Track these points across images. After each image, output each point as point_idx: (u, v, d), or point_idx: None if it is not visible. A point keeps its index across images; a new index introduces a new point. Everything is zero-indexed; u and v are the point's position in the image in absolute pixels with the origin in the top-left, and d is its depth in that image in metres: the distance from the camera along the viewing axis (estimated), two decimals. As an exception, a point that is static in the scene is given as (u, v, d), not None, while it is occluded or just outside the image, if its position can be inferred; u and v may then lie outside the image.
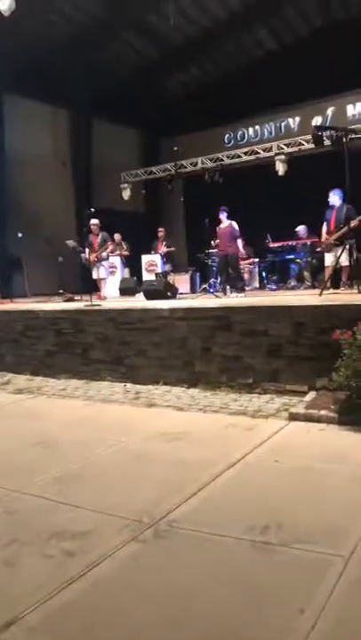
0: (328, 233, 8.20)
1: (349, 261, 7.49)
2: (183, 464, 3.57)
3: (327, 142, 8.20)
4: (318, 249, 9.05)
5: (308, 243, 10.00)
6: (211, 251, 10.78)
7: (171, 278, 10.88)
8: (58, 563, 2.41)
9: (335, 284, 7.73)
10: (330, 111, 12.04)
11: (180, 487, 3.15)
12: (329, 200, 8.27)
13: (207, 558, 2.42)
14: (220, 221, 9.44)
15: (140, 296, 9.04)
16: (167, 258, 11.85)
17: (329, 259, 8.23)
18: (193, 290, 11.34)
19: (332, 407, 4.34)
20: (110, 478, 3.41)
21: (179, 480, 3.27)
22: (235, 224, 9.37)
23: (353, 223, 7.48)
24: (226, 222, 9.32)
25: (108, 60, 12.48)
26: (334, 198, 8.19)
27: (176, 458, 3.71)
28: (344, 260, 7.51)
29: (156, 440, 4.13)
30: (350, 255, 7.38)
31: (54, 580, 2.26)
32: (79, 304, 8.02)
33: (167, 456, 3.76)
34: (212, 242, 10.19)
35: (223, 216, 9.30)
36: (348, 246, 7.25)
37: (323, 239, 8.35)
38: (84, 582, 2.25)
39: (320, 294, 6.59)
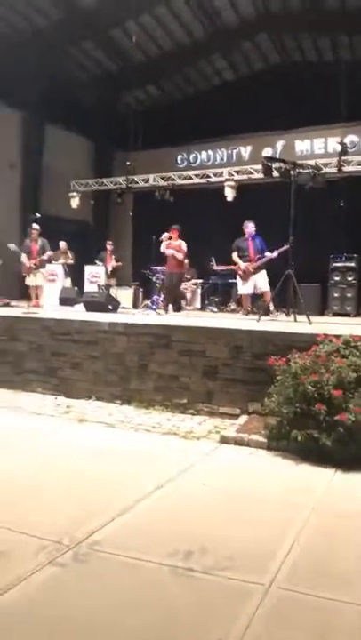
0: (247, 261, 8.51)
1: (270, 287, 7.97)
2: (110, 483, 3.47)
3: (276, 174, 8.51)
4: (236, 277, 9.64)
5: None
6: (155, 267, 10.79)
7: (113, 292, 10.77)
8: (-35, 586, 2.25)
9: (266, 310, 8.02)
10: (280, 144, 12.53)
11: (104, 507, 3.05)
12: (246, 230, 8.68)
13: (126, 584, 2.34)
14: (170, 238, 9.42)
15: (81, 307, 8.86)
16: (113, 271, 11.75)
17: (247, 287, 8.62)
18: (135, 305, 11.27)
19: (263, 432, 4.40)
20: (32, 495, 3.26)
21: (104, 500, 3.17)
22: (184, 244, 9.45)
23: (274, 254, 8.13)
24: (177, 241, 9.38)
25: (66, 67, 12.39)
26: (252, 229, 8.61)
27: (103, 476, 3.61)
28: (266, 285, 8.26)
29: (84, 457, 4.00)
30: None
31: None
32: (15, 310, 7.74)
33: (94, 474, 3.65)
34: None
35: (175, 234, 9.35)
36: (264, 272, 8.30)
37: (243, 267, 8.60)
38: (-8, 608, 2.11)
39: (258, 320, 6.74)
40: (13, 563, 2.44)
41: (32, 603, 2.18)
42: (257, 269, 8.49)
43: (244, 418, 4.98)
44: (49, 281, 10.48)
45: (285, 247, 7.32)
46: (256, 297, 8.93)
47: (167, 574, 2.41)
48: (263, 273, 8.51)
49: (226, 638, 1.95)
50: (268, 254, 8.35)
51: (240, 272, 8.70)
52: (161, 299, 10.42)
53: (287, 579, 2.37)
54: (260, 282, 8.47)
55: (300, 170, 7.75)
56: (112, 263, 11.66)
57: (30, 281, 9.76)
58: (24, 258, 9.63)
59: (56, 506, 3.10)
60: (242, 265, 8.57)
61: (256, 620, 2.07)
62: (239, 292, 9.10)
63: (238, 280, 8.89)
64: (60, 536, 2.68)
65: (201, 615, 2.12)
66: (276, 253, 8.13)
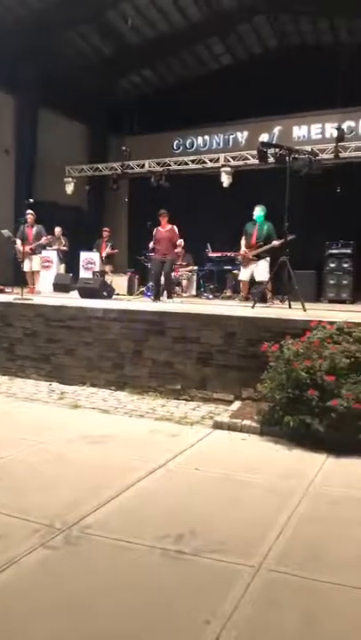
0: (248, 247, 8.35)
1: (269, 276, 7.73)
2: (104, 468, 3.49)
3: (271, 159, 8.44)
4: (237, 262, 9.44)
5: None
6: (151, 254, 10.73)
7: (108, 278, 10.73)
8: None
9: (262, 298, 7.93)
10: (276, 130, 12.41)
11: (97, 492, 3.07)
12: (254, 214, 8.36)
13: (117, 567, 2.36)
14: (159, 224, 9.32)
15: (75, 293, 8.83)
16: (109, 258, 11.69)
17: (245, 273, 8.45)
18: (130, 292, 11.24)
19: (256, 417, 4.43)
20: (26, 480, 3.28)
21: (97, 484, 3.19)
22: (175, 229, 9.32)
23: (277, 242, 7.70)
24: (167, 226, 9.26)
25: (61, 51, 12.18)
26: (261, 213, 8.30)
27: (97, 461, 3.63)
28: (264, 275, 7.89)
29: (78, 442, 4.02)
30: (271, 270, 7.64)
31: None
32: (9, 297, 7.71)
33: (88, 459, 3.67)
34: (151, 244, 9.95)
35: (165, 220, 9.21)
36: (266, 261, 7.93)
37: (242, 252, 8.45)
38: (-17, 590, 2.13)
39: (253, 307, 6.74)
40: (6, 545, 2.45)
41: (22, 584, 2.20)
42: (257, 257, 8.20)
43: (237, 404, 5.00)
44: (43, 267, 10.41)
45: (290, 237, 7.12)
46: (255, 284, 8.76)
47: (158, 557, 2.43)
48: (263, 262, 8.13)
49: (214, 619, 1.97)
50: (275, 242, 7.89)
51: (240, 257, 8.59)
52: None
53: (277, 562, 2.40)
54: (258, 271, 8.15)
55: (296, 155, 7.66)
56: (107, 250, 11.60)
57: (26, 267, 9.70)
58: (19, 244, 9.56)
59: (48, 490, 3.11)
60: (241, 250, 8.46)
61: (245, 601, 2.09)
62: (239, 278, 8.98)
63: (241, 266, 8.77)
64: (52, 520, 2.70)
65: (190, 597, 2.14)
66: (278, 242, 7.69)
